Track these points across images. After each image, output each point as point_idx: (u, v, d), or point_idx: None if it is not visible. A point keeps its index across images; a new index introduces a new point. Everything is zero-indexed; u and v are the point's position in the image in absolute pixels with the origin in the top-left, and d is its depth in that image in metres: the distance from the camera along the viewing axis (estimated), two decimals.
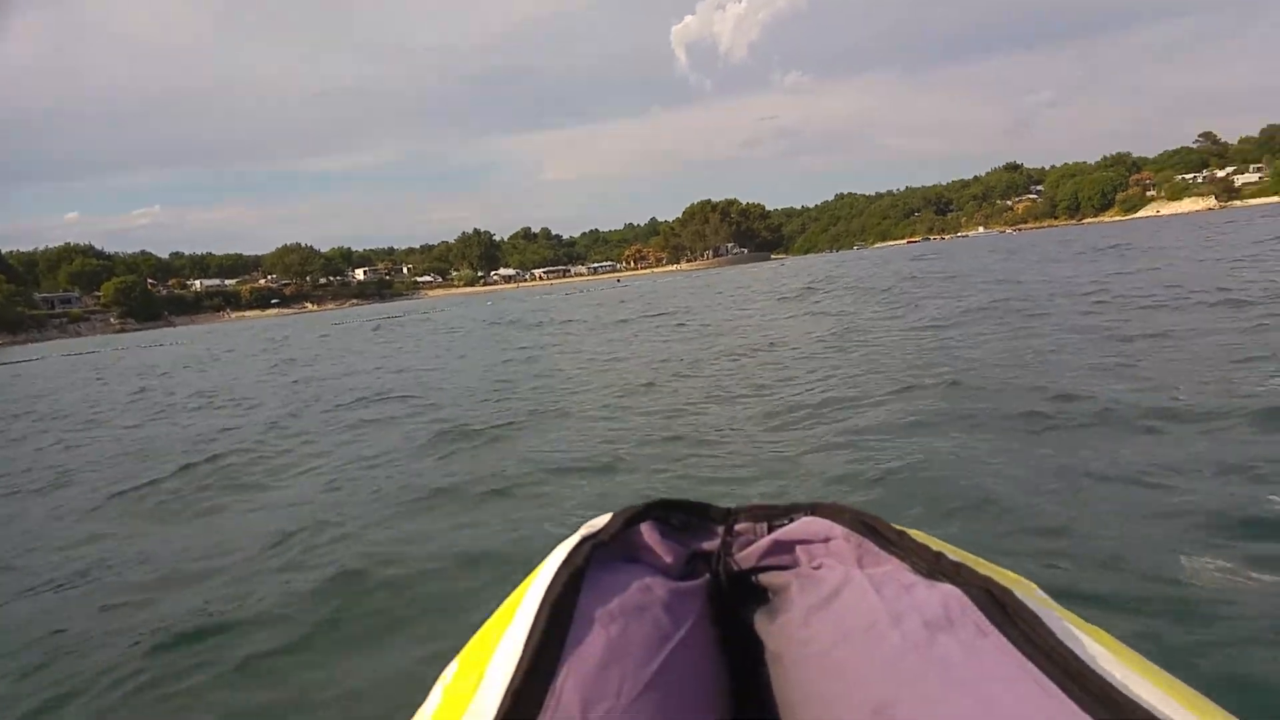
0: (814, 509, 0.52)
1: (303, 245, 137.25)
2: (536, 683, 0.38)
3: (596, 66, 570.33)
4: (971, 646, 0.39)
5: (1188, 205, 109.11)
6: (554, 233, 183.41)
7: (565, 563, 0.46)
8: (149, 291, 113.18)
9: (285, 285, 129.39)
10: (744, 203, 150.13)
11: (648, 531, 0.52)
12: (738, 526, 0.54)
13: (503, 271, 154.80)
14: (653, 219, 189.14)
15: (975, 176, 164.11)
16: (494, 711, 0.37)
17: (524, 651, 0.40)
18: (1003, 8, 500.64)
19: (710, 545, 0.54)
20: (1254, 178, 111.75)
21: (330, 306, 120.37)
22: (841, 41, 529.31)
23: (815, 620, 0.45)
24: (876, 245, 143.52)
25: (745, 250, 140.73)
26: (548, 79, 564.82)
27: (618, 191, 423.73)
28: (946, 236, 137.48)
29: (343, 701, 2.36)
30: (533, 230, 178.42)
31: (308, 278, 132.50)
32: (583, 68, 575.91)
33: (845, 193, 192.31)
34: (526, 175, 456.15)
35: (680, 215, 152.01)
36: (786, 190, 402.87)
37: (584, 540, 0.49)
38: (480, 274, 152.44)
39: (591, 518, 0.52)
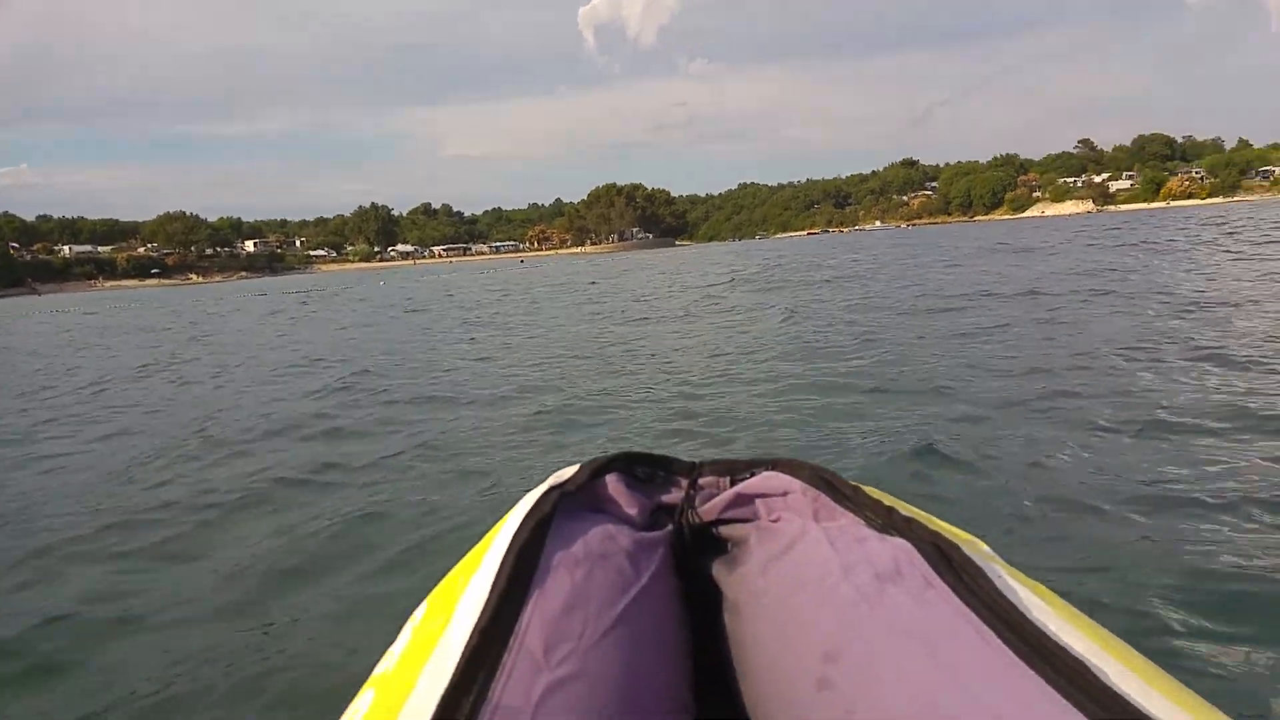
0: (774, 464, 0.54)
1: (187, 214, 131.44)
2: (501, 624, 0.39)
3: (503, 43, 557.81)
4: (918, 597, 0.40)
5: (1069, 208, 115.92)
6: (455, 210, 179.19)
7: (532, 511, 0.47)
8: (9, 256, 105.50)
9: (167, 255, 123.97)
10: (649, 188, 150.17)
11: (614, 483, 0.53)
12: (701, 480, 0.55)
13: (401, 248, 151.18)
14: (558, 200, 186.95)
15: (873, 171, 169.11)
16: (460, 650, 0.38)
17: (490, 594, 0.41)
18: (905, 6, 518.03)
19: (674, 497, 0.55)
20: (1126, 184, 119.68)
21: (217, 279, 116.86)
22: (749, 32, 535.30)
23: (771, 571, 0.46)
24: (778, 235, 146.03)
25: (650, 235, 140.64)
26: (453, 54, 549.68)
27: (523, 171, 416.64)
28: (845, 230, 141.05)
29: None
30: (433, 206, 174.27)
31: (192, 248, 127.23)
32: (489, 44, 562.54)
33: (749, 182, 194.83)
34: (429, 151, 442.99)
35: (586, 197, 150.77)
36: (692, 177, 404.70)
37: (551, 489, 0.50)
38: (377, 250, 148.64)
39: (560, 468, 0.53)
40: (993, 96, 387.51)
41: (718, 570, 0.51)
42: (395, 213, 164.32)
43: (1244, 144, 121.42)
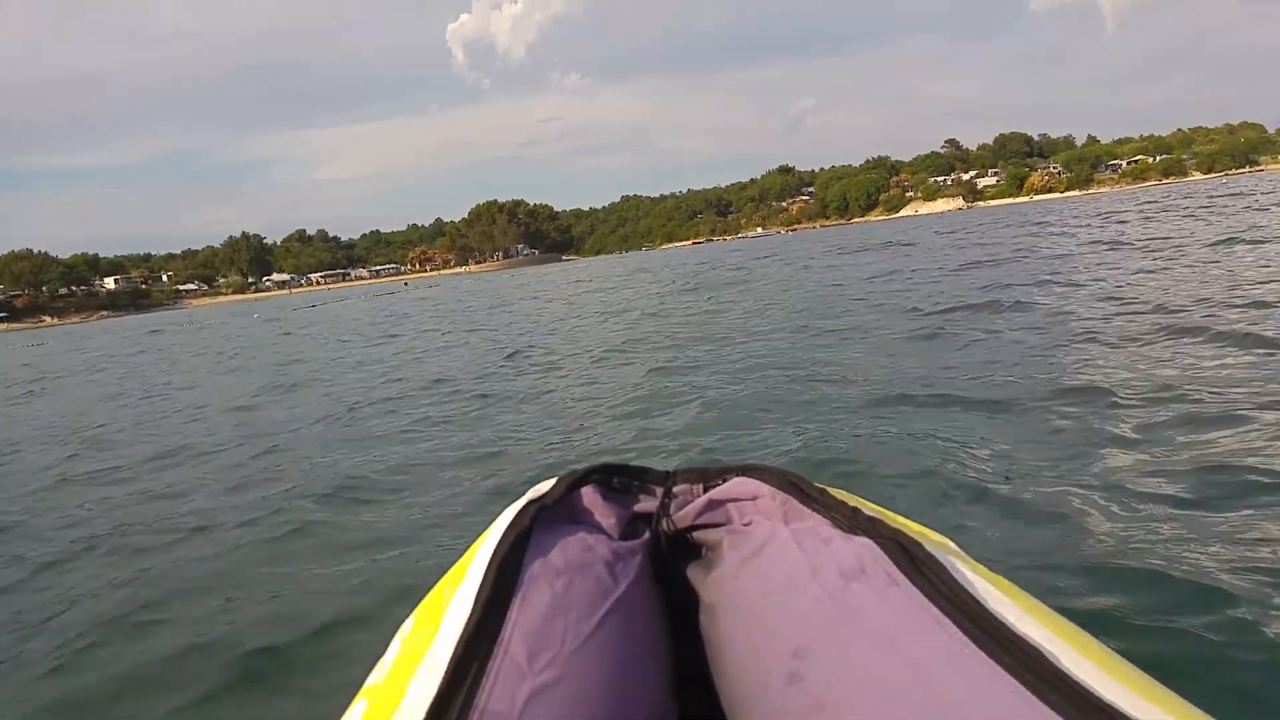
0: (745, 469, 0.55)
1: (35, 252, 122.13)
2: (486, 635, 0.41)
3: (370, 62, 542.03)
4: (882, 594, 0.42)
5: (941, 205, 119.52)
6: (332, 235, 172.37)
7: (512, 524, 0.48)
8: None
9: (16, 297, 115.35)
10: (532, 203, 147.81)
11: (590, 494, 0.54)
12: (675, 488, 0.57)
13: (276, 277, 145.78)
14: (438, 219, 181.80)
15: (752, 179, 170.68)
16: (446, 660, 0.39)
17: (474, 606, 0.42)
18: (766, 16, 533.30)
19: (650, 506, 0.57)
20: (992, 181, 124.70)
21: (74, 320, 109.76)
22: (618, 45, 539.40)
23: (743, 574, 0.48)
24: (664, 246, 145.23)
25: (536, 251, 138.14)
26: (318, 74, 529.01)
27: (400, 191, 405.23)
28: (728, 238, 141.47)
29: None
30: (308, 232, 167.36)
31: (44, 288, 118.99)
32: (355, 63, 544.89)
33: (631, 194, 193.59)
34: (300, 174, 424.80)
35: (467, 215, 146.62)
36: (574, 191, 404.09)
37: (530, 503, 0.51)
38: (251, 280, 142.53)
39: (538, 483, 0.54)
40: (860, 102, 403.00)
41: (693, 575, 0.53)
42: (269, 241, 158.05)
43: (1093, 140, 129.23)
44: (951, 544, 0.47)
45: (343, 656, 2.35)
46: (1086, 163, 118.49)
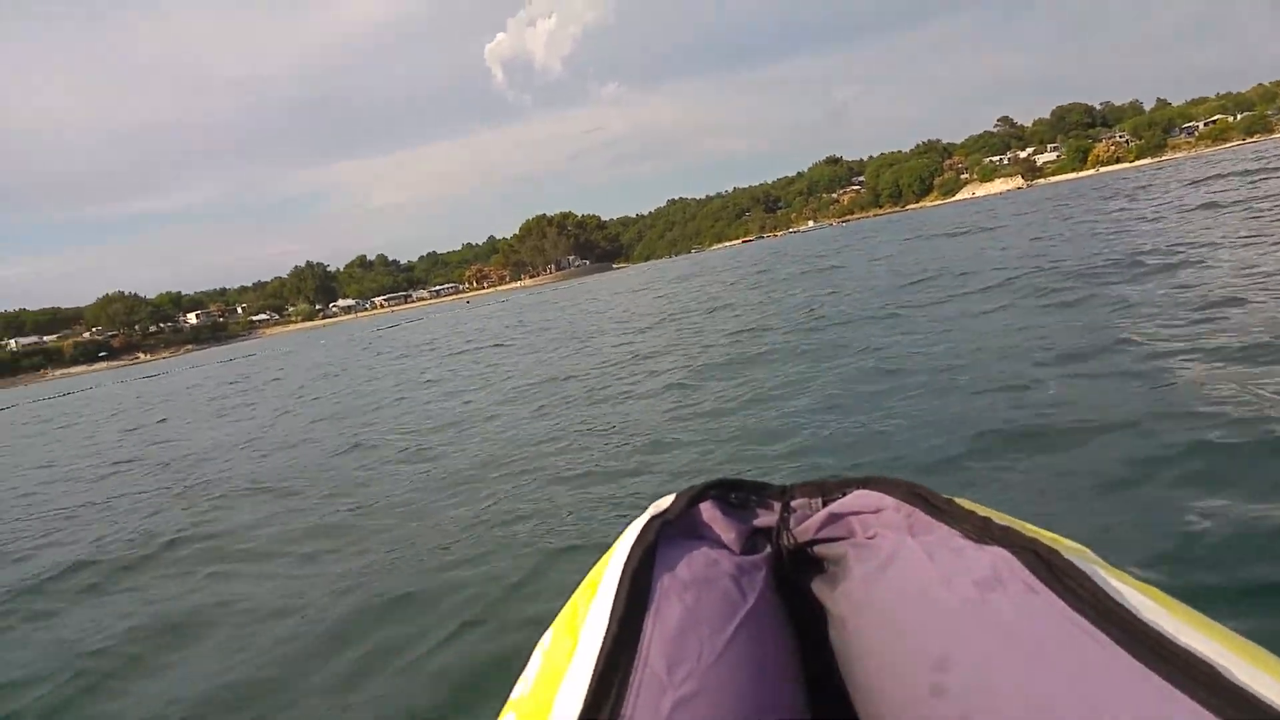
0: (865, 482, 0.55)
1: (126, 294, 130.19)
2: (624, 648, 0.42)
3: (415, 88, 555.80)
4: (1022, 604, 0.40)
5: (999, 185, 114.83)
6: (391, 258, 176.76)
7: (639, 540, 0.49)
8: None
9: (112, 337, 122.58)
10: (579, 214, 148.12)
11: (709, 510, 0.55)
12: (794, 502, 0.56)
13: (341, 303, 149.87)
14: (491, 237, 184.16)
15: (799, 172, 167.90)
16: (589, 673, 0.40)
17: (610, 620, 0.43)
18: (800, 7, 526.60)
19: (769, 521, 0.57)
20: (1052, 156, 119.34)
21: (165, 355, 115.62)
22: (654, 50, 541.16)
23: (873, 586, 0.48)
24: (714, 247, 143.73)
25: (587, 262, 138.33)
26: (366, 104, 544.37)
27: (453, 212, 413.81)
28: (779, 234, 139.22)
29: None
30: (369, 258, 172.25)
31: (136, 327, 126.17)
32: (401, 90, 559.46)
33: (677, 198, 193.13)
34: (356, 203, 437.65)
35: (518, 231, 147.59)
36: (620, 199, 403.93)
37: (653, 519, 0.52)
38: (319, 307, 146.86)
39: (658, 498, 0.55)
40: (905, 86, 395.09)
41: (818, 588, 0.53)
42: (332, 268, 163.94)
43: (1163, 103, 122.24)
44: (1089, 552, 0.46)
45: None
46: (1158, 127, 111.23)
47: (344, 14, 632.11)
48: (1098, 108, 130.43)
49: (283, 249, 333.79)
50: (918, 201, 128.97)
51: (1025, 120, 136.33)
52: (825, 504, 0.55)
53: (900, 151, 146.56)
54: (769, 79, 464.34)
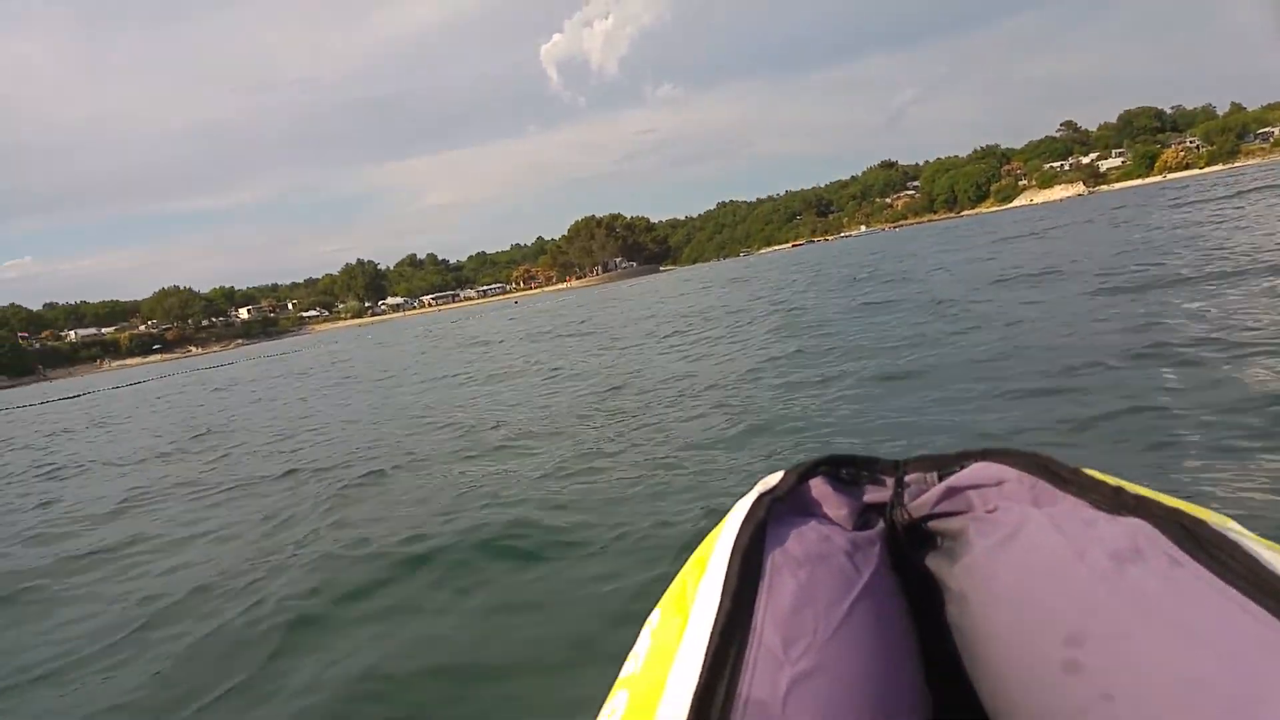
0: (984, 455, 0.53)
1: (181, 288, 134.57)
2: (738, 625, 0.41)
3: (469, 89, 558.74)
4: (1166, 577, 0.39)
5: (1059, 192, 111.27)
6: (440, 258, 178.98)
7: (748, 516, 0.48)
8: (19, 345, 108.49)
9: (166, 330, 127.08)
10: (628, 216, 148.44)
11: (820, 486, 0.54)
12: (908, 477, 0.55)
13: (390, 301, 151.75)
14: (539, 238, 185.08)
15: (853, 176, 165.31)
16: (703, 650, 0.40)
17: (722, 596, 0.43)
18: (858, 11, 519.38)
19: (881, 496, 0.55)
20: (1117, 162, 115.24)
21: (215, 349, 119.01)
22: (709, 52, 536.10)
23: (997, 561, 0.46)
24: (763, 251, 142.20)
25: (634, 264, 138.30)
26: (420, 104, 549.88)
27: (502, 212, 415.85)
28: (830, 238, 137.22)
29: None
30: (419, 257, 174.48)
31: (189, 320, 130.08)
32: (455, 91, 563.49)
33: (727, 200, 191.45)
34: (408, 202, 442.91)
35: (566, 232, 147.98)
36: (670, 201, 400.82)
37: (762, 495, 0.51)
38: (368, 304, 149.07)
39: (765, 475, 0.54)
40: (963, 91, 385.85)
41: (936, 564, 0.51)
42: (382, 266, 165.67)
43: (1237, 108, 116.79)
44: (1235, 524, 0.43)
45: None
46: (1231, 133, 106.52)
47: (402, 16, 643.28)
48: (1168, 112, 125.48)
49: (335, 247, 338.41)
50: (973, 208, 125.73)
51: (1090, 125, 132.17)
52: (941, 478, 0.53)
53: (957, 156, 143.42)
54: (824, 82, 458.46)
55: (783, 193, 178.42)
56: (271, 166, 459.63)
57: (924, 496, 0.53)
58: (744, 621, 0.41)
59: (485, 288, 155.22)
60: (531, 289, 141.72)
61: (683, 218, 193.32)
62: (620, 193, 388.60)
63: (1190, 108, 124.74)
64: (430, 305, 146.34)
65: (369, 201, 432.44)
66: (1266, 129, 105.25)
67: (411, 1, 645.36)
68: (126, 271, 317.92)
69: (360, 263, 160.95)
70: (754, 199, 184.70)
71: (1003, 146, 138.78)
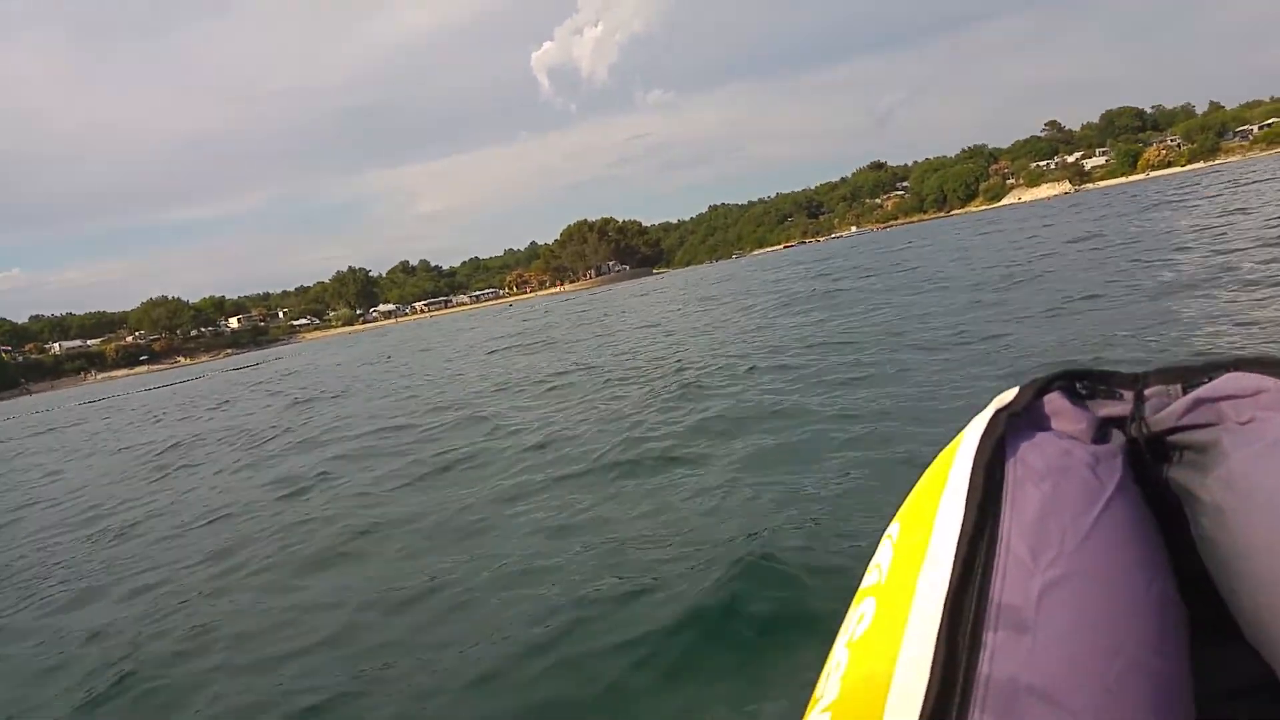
0: (1236, 364, 0.50)
1: (169, 298, 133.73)
2: (984, 534, 0.41)
3: (460, 97, 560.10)
4: None
5: (1046, 190, 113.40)
6: (433, 264, 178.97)
7: (987, 431, 0.48)
8: (1, 359, 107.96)
9: (154, 340, 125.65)
10: (620, 220, 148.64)
11: (1056, 400, 0.52)
12: (1148, 390, 0.53)
13: (382, 308, 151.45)
14: (532, 243, 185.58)
15: (843, 178, 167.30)
16: (950, 558, 0.40)
17: (966, 508, 0.43)
18: (845, 15, 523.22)
19: (1121, 410, 0.53)
20: (1101, 161, 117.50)
21: (204, 359, 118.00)
22: (698, 57, 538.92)
23: (1260, 470, 0.44)
24: (755, 252, 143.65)
25: (627, 267, 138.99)
26: (412, 112, 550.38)
27: (495, 218, 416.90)
28: (821, 239, 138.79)
29: None
30: (411, 263, 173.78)
31: (177, 331, 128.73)
32: (447, 99, 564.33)
33: (719, 203, 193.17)
34: (400, 209, 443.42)
35: (559, 236, 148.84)
36: (662, 205, 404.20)
37: (999, 411, 0.50)
38: (359, 312, 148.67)
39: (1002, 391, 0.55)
40: (950, 92, 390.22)
41: (1184, 477, 0.49)
42: (373, 273, 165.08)
43: (1216, 107, 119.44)
44: None
45: None
46: (1211, 131, 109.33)
47: (393, 25, 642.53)
48: (1148, 111, 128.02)
49: (327, 255, 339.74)
50: (962, 207, 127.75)
51: (1074, 124, 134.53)
52: (1186, 390, 0.51)
53: (945, 157, 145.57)
54: (814, 85, 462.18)
55: (774, 195, 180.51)
56: (262, 175, 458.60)
57: (1167, 410, 0.51)
58: (990, 532, 0.42)
59: (478, 293, 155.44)
60: (525, 293, 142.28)
61: (675, 221, 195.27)
62: (613, 197, 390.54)
63: (1170, 107, 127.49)
64: (423, 311, 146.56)
65: (361, 209, 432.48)
66: (1245, 127, 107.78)
67: (402, 9, 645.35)
68: (116, 283, 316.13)
69: (351, 270, 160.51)
70: (745, 201, 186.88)
71: (990, 146, 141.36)
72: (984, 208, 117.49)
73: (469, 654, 3.19)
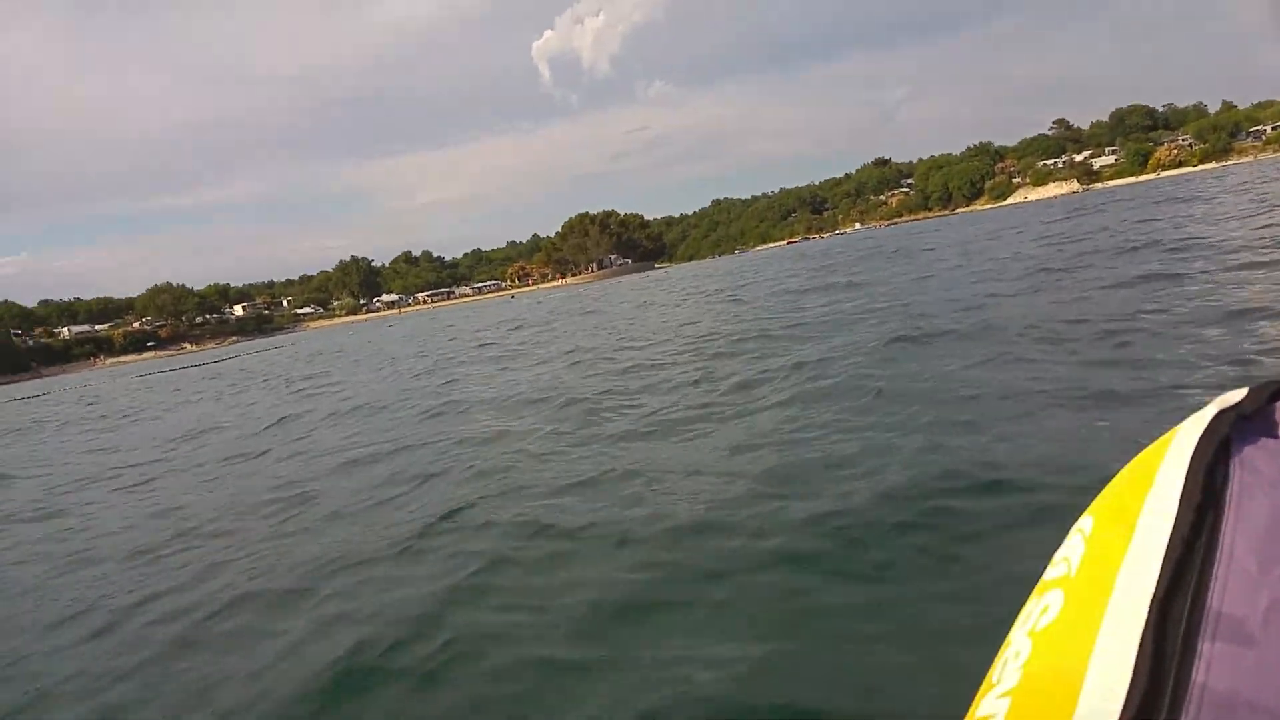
0: None
1: (174, 284, 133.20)
2: (1201, 538, 0.38)
3: (462, 86, 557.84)
4: None
5: (1053, 190, 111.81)
6: (436, 255, 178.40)
7: (1209, 430, 0.45)
8: (12, 343, 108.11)
9: (160, 327, 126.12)
10: (622, 214, 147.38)
11: None
12: None
13: (385, 298, 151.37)
14: (535, 235, 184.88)
15: (847, 174, 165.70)
16: (1159, 559, 0.38)
17: (1181, 509, 0.40)
18: (852, 9, 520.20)
19: None
20: (1110, 160, 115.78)
21: (210, 345, 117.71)
22: (701, 50, 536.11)
23: None
24: (758, 248, 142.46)
25: (629, 261, 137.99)
26: (414, 101, 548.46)
27: (498, 210, 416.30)
28: (824, 235, 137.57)
29: None
30: (414, 254, 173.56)
31: (183, 318, 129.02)
32: (448, 88, 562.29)
33: (722, 198, 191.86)
34: (403, 199, 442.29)
35: (560, 229, 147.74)
36: (664, 199, 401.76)
37: (1224, 410, 0.47)
38: (362, 302, 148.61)
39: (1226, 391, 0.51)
40: (957, 89, 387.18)
41: None
42: (376, 263, 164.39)
43: (1228, 106, 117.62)
44: None
45: None
46: (1223, 131, 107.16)
47: (395, 12, 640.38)
48: (1159, 110, 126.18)
49: (330, 244, 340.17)
50: (967, 205, 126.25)
51: (1083, 123, 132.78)
52: None
53: (951, 154, 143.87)
54: (819, 80, 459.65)
55: (777, 190, 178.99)
56: (265, 163, 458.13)
57: None
58: (1208, 537, 0.38)
59: (480, 285, 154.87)
60: (527, 286, 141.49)
61: (677, 215, 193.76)
62: (617, 192, 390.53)
63: (1181, 106, 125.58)
64: (425, 302, 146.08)
65: (364, 199, 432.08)
66: (1258, 127, 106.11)
67: None
68: (120, 268, 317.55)
69: (355, 259, 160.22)
70: (748, 196, 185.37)
71: (996, 144, 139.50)
72: (989, 206, 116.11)
73: None
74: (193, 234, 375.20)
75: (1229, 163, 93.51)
